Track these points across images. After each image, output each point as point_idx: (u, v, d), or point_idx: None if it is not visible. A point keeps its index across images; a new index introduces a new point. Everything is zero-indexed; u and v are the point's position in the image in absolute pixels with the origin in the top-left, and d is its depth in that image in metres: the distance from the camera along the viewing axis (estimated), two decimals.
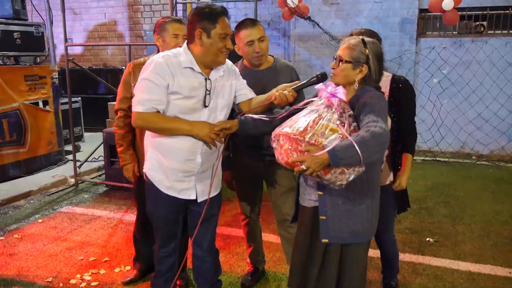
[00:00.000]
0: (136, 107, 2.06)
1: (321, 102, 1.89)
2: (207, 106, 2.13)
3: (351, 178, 1.80)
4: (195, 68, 2.09)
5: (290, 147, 1.81)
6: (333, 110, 1.83)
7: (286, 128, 1.84)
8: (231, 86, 2.25)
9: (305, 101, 2.01)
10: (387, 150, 2.47)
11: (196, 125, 2.09)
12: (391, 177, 2.55)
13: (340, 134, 1.77)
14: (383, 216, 2.55)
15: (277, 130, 1.89)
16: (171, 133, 2.10)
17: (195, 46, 2.08)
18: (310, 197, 2.05)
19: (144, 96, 2.04)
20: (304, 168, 1.72)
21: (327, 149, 1.70)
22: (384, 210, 2.52)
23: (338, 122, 1.80)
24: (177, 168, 2.16)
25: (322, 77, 2.16)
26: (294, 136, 1.79)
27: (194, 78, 2.09)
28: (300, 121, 1.83)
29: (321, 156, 1.69)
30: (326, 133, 1.78)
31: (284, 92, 2.14)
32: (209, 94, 2.13)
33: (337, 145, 1.70)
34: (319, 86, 1.95)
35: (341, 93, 1.85)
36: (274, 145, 1.91)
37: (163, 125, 2.08)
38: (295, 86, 2.19)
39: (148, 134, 2.25)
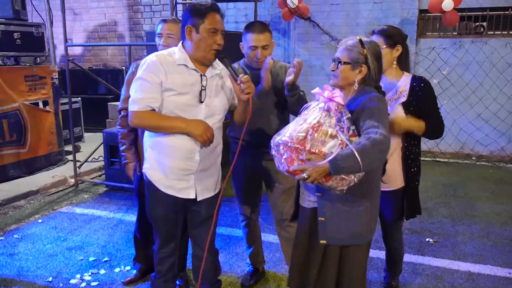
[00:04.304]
0: (132, 107, 2.08)
1: (318, 107, 1.88)
2: (202, 102, 2.13)
3: (351, 184, 1.81)
4: (188, 65, 2.10)
5: (290, 156, 1.80)
6: (331, 114, 1.83)
7: (286, 136, 1.83)
8: (230, 85, 2.25)
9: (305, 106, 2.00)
10: (400, 152, 2.45)
11: (191, 123, 2.08)
12: (402, 182, 2.49)
13: (340, 140, 1.78)
14: (394, 219, 2.56)
15: (277, 139, 1.88)
16: (166, 131, 2.10)
17: (187, 43, 2.11)
18: (309, 198, 2.06)
19: (138, 95, 2.06)
20: (305, 176, 1.73)
21: (328, 158, 1.71)
22: (395, 213, 2.53)
23: (337, 128, 1.80)
24: (176, 166, 2.16)
25: (225, 57, 2.11)
26: (295, 145, 1.78)
27: (188, 75, 2.10)
28: (298, 129, 1.82)
29: (323, 165, 1.71)
30: (326, 140, 1.78)
31: (238, 90, 2.10)
32: (204, 89, 2.12)
33: (338, 154, 1.71)
34: (316, 90, 1.93)
35: (339, 96, 1.85)
36: (273, 152, 1.90)
37: (158, 123, 2.08)
38: (232, 77, 2.14)
39: (146, 134, 2.25)
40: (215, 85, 2.18)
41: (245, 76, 2.09)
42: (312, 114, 1.87)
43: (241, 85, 2.08)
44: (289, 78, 2.35)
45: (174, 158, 2.15)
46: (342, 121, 1.83)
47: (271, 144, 1.91)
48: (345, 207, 1.94)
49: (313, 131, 1.79)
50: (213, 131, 2.12)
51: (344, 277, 2.03)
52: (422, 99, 2.37)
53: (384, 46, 2.36)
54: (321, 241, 1.97)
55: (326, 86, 1.94)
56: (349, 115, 1.87)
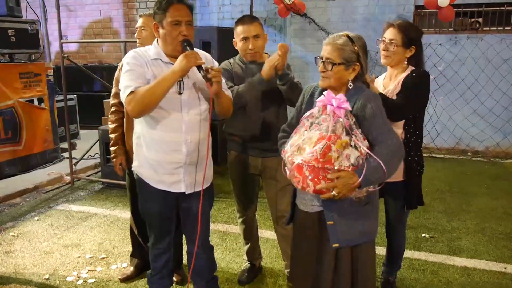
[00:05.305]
0: (125, 93, 2.04)
1: (328, 117, 1.82)
2: (181, 93, 2.12)
3: (370, 190, 1.86)
4: (163, 59, 2.12)
5: (316, 176, 1.79)
6: (342, 122, 1.80)
7: (307, 155, 1.78)
8: None
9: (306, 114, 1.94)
10: None
11: (174, 66, 2.03)
12: (402, 174, 2.46)
13: (359, 150, 1.79)
14: (398, 211, 2.56)
15: (298, 159, 1.81)
16: (163, 90, 2.01)
17: (159, 39, 2.15)
18: (312, 203, 2.00)
19: (129, 82, 2.05)
20: (334, 194, 1.78)
21: (361, 178, 1.76)
22: (398, 205, 2.54)
23: (353, 137, 1.79)
24: (164, 160, 2.16)
25: (187, 46, 2.08)
26: (323, 166, 1.77)
27: (165, 68, 2.11)
28: (318, 146, 1.76)
29: (353, 182, 1.77)
30: (348, 153, 1.78)
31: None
32: (182, 81, 2.11)
33: (367, 169, 1.77)
34: (321, 99, 1.87)
35: (345, 102, 1.81)
36: (290, 172, 1.87)
37: (153, 89, 2.00)
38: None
39: (134, 131, 2.25)
40: (194, 76, 2.15)
41: (212, 79, 2.04)
42: (323, 125, 1.81)
43: (203, 72, 2.04)
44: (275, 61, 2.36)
45: (161, 152, 2.15)
46: (353, 128, 1.81)
47: (288, 163, 1.88)
48: (352, 207, 1.92)
49: (335, 147, 1.76)
50: (196, 53, 2.05)
51: (357, 277, 2.01)
52: (406, 83, 2.37)
53: (399, 44, 2.36)
54: (333, 245, 1.93)
55: (329, 92, 1.87)
56: (354, 118, 1.85)
